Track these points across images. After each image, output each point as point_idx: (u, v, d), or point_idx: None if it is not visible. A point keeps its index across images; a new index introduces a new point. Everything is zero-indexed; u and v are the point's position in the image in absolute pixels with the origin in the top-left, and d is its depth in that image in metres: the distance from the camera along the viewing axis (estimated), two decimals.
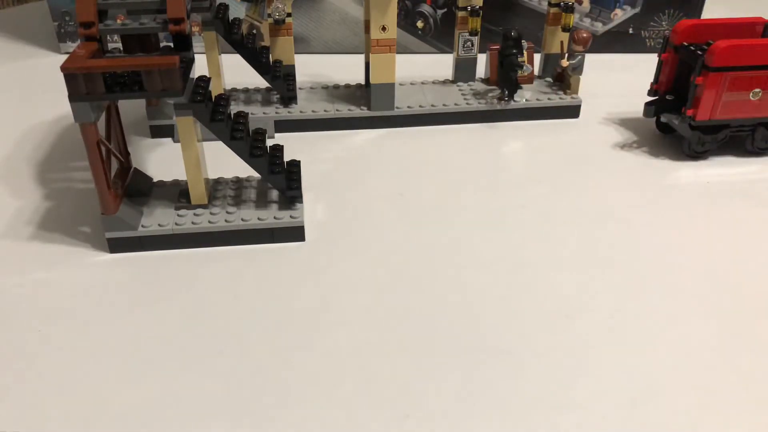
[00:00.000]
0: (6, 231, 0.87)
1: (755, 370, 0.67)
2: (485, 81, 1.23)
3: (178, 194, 0.87)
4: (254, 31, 1.26)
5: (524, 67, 1.15)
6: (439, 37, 1.48)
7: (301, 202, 0.86)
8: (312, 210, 0.91)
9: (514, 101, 1.16)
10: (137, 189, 0.87)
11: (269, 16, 1.09)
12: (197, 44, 1.11)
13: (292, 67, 1.14)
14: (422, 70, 1.30)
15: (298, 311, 0.74)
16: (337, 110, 1.13)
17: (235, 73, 1.17)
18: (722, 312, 0.74)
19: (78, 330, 0.71)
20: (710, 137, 1.02)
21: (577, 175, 1.00)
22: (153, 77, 0.73)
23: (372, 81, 1.10)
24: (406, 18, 1.46)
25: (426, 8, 1.45)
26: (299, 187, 0.85)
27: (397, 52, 1.07)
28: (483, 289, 0.78)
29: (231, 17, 1.10)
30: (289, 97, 1.14)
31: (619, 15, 1.46)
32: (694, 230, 0.88)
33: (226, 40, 1.08)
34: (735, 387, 0.65)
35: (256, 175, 0.89)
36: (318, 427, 0.61)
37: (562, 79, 1.21)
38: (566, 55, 1.16)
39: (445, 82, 1.24)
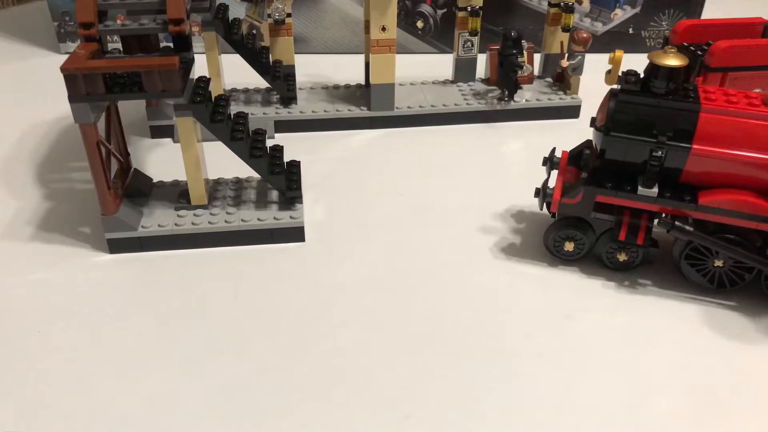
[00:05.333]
0: (6, 231, 0.87)
1: (755, 371, 0.67)
2: (485, 81, 1.23)
3: (178, 195, 0.87)
4: (254, 31, 1.26)
5: (524, 67, 1.15)
6: (439, 37, 1.48)
7: (301, 202, 0.86)
8: (312, 210, 0.91)
9: (514, 101, 1.16)
10: (137, 189, 0.87)
11: (269, 16, 1.09)
12: (197, 44, 1.11)
13: (292, 67, 1.14)
14: (422, 70, 1.29)
15: (298, 312, 0.74)
16: (337, 110, 1.13)
17: (235, 73, 1.17)
18: (722, 312, 0.74)
19: (78, 330, 0.71)
20: None
21: None
22: (153, 78, 0.73)
23: (372, 81, 1.10)
24: (406, 18, 1.46)
25: (426, 8, 1.45)
26: (299, 188, 0.85)
27: (397, 52, 1.07)
28: (483, 288, 0.78)
29: (231, 17, 1.10)
30: (289, 98, 1.14)
31: (619, 15, 1.46)
32: None
33: (226, 40, 1.08)
34: (735, 388, 0.65)
35: (256, 175, 0.89)
36: (318, 428, 0.61)
37: (562, 79, 1.21)
38: (566, 55, 1.16)
39: (445, 82, 1.24)
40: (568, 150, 0.83)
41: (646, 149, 0.72)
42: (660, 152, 0.71)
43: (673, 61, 0.71)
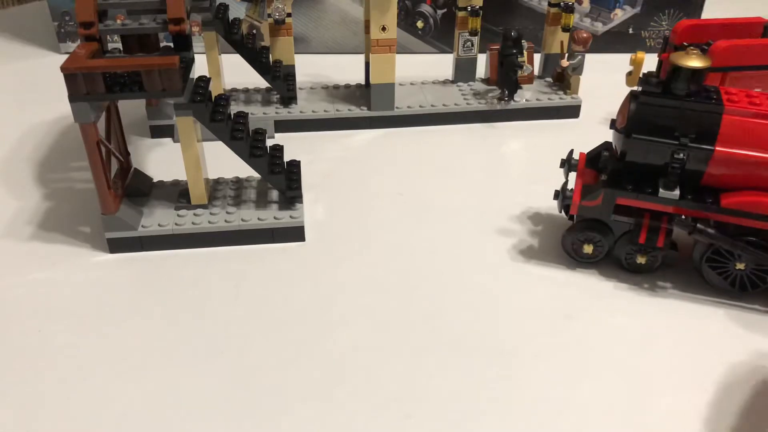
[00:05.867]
0: (6, 231, 0.87)
1: (757, 370, 0.67)
2: (485, 81, 1.23)
3: (178, 194, 0.87)
4: (254, 31, 1.26)
5: (524, 67, 1.15)
6: (439, 37, 1.48)
7: (301, 202, 0.86)
8: (312, 210, 0.91)
9: (514, 101, 1.16)
10: (137, 189, 0.87)
11: (269, 16, 1.09)
12: (197, 44, 1.11)
13: (292, 67, 1.14)
14: (422, 70, 1.29)
15: (298, 311, 0.74)
16: (337, 110, 1.13)
17: (235, 73, 1.17)
18: (721, 310, 0.74)
19: (78, 330, 0.71)
20: None
21: None
22: (153, 77, 0.73)
23: (372, 81, 1.10)
24: (406, 18, 1.46)
25: (426, 8, 1.45)
26: (299, 187, 0.85)
27: (397, 52, 1.07)
28: (483, 289, 0.78)
29: (231, 17, 1.10)
30: (289, 97, 1.14)
31: (619, 15, 1.46)
32: None
33: (226, 40, 1.08)
34: (738, 388, 0.65)
35: (256, 175, 0.89)
36: (319, 428, 0.61)
37: (562, 79, 1.21)
38: (566, 55, 1.16)
39: (445, 82, 1.24)
40: (572, 150, 0.82)
41: (667, 151, 0.71)
42: (682, 154, 0.71)
43: (694, 62, 0.70)
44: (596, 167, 0.79)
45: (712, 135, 0.70)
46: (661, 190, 0.73)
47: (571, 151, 0.82)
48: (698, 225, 0.72)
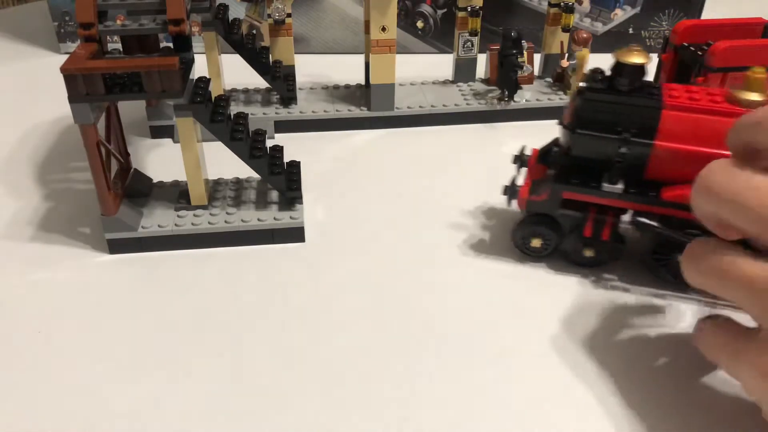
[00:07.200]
0: (6, 231, 0.87)
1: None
2: (485, 81, 1.23)
3: (177, 195, 0.87)
4: (254, 31, 1.26)
5: (524, 67, 1.15)
6: (439, 37, 1.48)
7: (301, 202, 0.86)
8: (312, 211, 0.91)
9: (514, 101, 1.16)
10: (137, 190, 0.87)
11: (269, 16, 1.09)
12: (197, 44, 1.11)
13: (292, 67, 1.14)
14: (422, 70, 1.30)
15: (297, 312, 0.74)
16: (337, 110, 1.13)
17: (235, 73, 1.17)
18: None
19: (78, 330, 0.71)
20: None
21: None
22: (153, 78, 0.73)
23: (372, 81, 1.10)
24: (406, 18, 1.46)
25: (426, 8, 1.45)
26: (299, 188, 0.85)
27: (397, 52, 1.07)
28: (483, 289, 0.78)
29: (231, 17, 1.10)
30: (289, 98, 1.14)
31: (619, 15, 1.46)
32: None
33: (226, 40, 1.08)
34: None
35: (256, 175, 0.89)
36: (318, 428, 0.61)
37: (562, 79, 1.21)
38: (566, 55, 1.16)
39: (445, 82, 1.24)
40: (524, 146, 0.83)
41: (611, 146, 0.73)
42: (624, 149, 0.72)
43: (636, 58, 0.71)
44: (546, 162, 0.79)
45: (652, 130, 0.72)
46: (604, 184, 0.74)
47: (523, 147, 0.82)
48: (638, 218, 0.73)
